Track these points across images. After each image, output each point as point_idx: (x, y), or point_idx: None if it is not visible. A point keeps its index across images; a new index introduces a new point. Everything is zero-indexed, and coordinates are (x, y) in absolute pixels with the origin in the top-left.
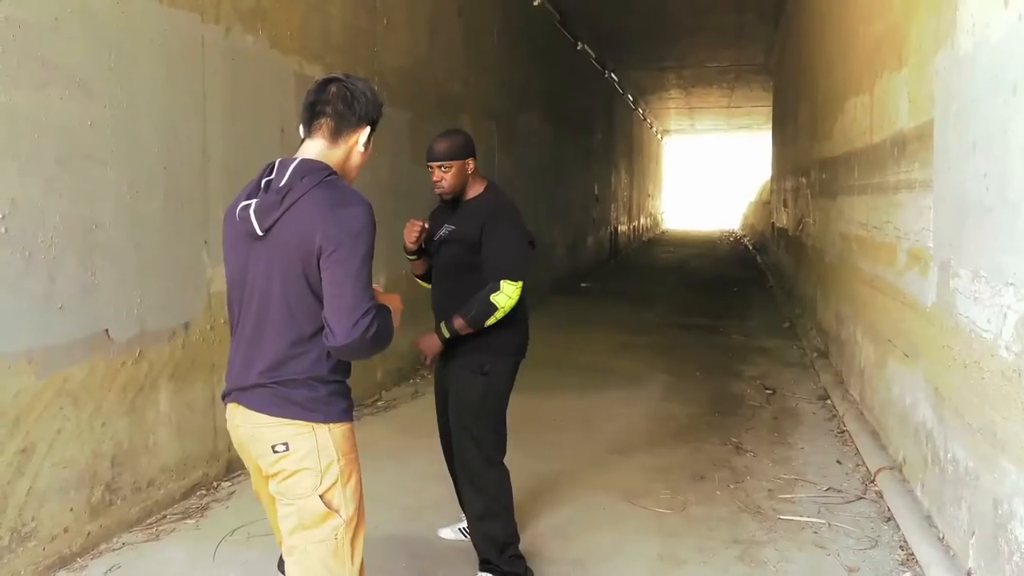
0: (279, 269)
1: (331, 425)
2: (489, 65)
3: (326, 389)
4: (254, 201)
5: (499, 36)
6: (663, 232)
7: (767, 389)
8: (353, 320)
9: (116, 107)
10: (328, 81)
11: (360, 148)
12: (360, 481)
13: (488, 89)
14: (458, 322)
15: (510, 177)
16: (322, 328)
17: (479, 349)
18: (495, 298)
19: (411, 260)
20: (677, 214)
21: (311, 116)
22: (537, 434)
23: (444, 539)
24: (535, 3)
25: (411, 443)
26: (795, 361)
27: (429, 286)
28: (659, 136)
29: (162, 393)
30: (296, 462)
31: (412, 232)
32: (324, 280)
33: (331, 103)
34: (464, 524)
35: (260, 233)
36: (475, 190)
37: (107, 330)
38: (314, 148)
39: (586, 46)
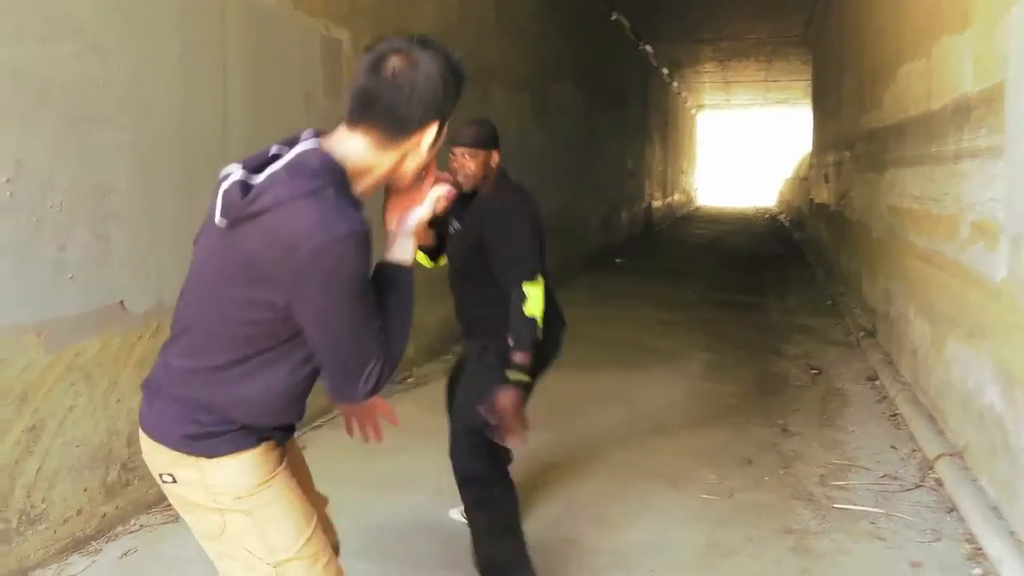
0: (225, 275)
1: (221, 459)
2: (521, 34)
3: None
4: (236, 176)
5: (531, 4)
6: (696, 209)
7: (812, 369)
8: (360, 381)
9: (130, 67)
10: (385, 56)
11: (423, 150)
12: (298, 509)
13: (520, 59)
14: (518, 356)
15: (543, 150)
16: (253, 355)
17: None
18: (527, 309)
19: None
20: (711, 191)
21: (359, 108)
22: (575, 415)
23: (456, 520)
24: None
25: (442, 422)
26: (840, 340)
27: (431, 265)
28: (693, 111)
29: None
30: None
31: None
32: (308, 338)
33: (386, 98)
34: None
35: (218, 222)
36: (487, 187)
37: (122, 301)
38: (351, 146)
39: (621, 16)
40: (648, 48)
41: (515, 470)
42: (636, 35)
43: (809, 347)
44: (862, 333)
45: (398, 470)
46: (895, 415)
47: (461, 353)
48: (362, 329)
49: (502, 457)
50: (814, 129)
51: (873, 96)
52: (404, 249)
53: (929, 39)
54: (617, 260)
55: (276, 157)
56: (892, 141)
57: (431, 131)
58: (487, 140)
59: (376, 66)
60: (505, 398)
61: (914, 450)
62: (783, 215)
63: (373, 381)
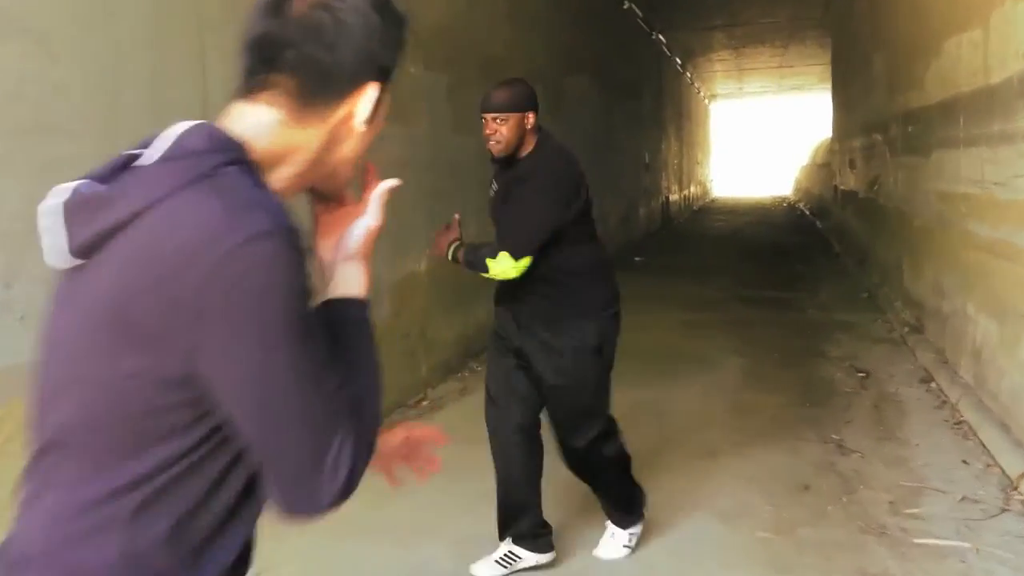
0: (83, 343)
1: None
2: (534, 24)
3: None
4: (78, 188)
5: (548, 5)
6: (712, 200)
7: (859, 372)
8: (322, 476)
9: (89, 69)
10: None
11: (359, 124)
12: None
13: (533, 50)
14: (460, 256)
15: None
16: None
17: (576, 314)
18: (491, 263)
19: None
20: (725, 182)
21: (259, 64)
22: None
23: None
24: None
25: (462, 453)
26: (883, 337)
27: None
28: (706, 101)
29: None
30: None
31: (443, 239)
32: (232, 422)
33: (298, 43)
34: (502, 552)
35: (67, 257)
36: (526, 149)
37: None
38: (252, 121)
39: (633, 5)
40: (661, 37)
41: (546, 506)
42: (648, 25)
43: (852, 347)
44: (907, 329)
45: (413, 515)
46: (960, 423)
47: (499, 332)
48: (312, 391)
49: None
50: (835, 114)
51: (911, 75)
52: (352, 279)
53: (986, 5)
54: (637, 259)
55: (134, 157)
56: (937, 121)
57: (369, 94)
58: (520, 101)
59: (275, 3)
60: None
61: (989, 465)
62: (802, 203)
63: (344, 471)
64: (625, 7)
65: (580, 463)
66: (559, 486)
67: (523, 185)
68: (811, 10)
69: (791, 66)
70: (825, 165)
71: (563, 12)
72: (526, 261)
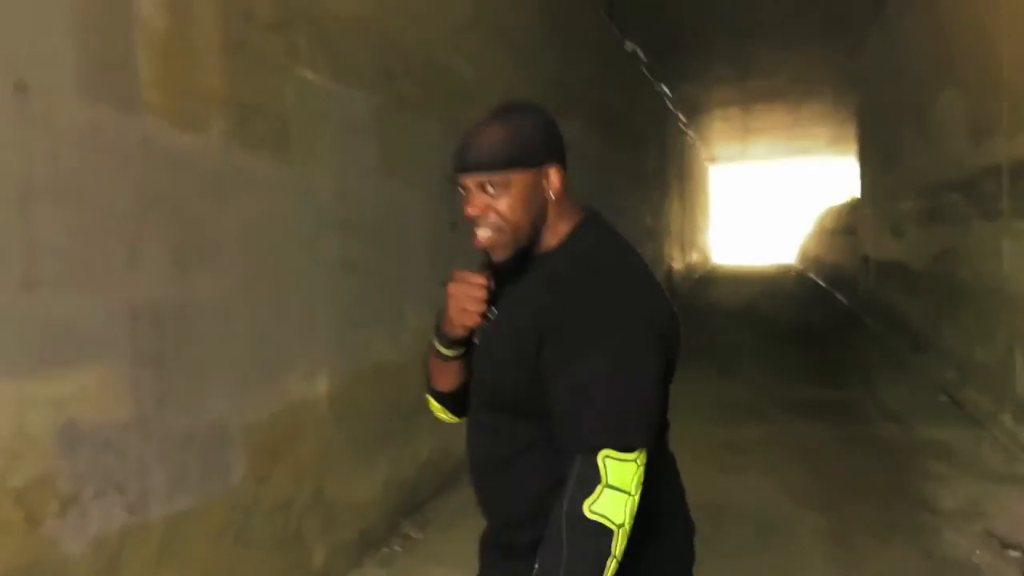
0: None
1: None
2: (514, 46)
3: None
4: None
5: (528, 18)
6: (713, 269)
7: (1008, 547)
8: None
9: None
10: None
11: None
12: None
13: (511, 78)
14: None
15: None
16: None
17: None
18: (597, 506)
19: (443, 357)
20: (724, 249)
21: None
22: None
23: None
24: None
25: None
26: (1004, 472)
27: (456, 420)
28: (707, 163)
29: None
30: None
31: (471, 295)
32: None
33: None
34: None
35: None
36: (556, 234)
37: None
38: None
39: (637, 48)
40: (665, 89)
41: None
42: (651, 73)
43: (965, 489)
44: None
45: None
46: None
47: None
48: None
49: None
50: (866, 174)
51: (1018, 112)
52: None
53: None
54: None
55: None
56: None
57: None
58: (530, 147)
59: None
60: None
61: None
62: (811, 273)
63: None
64: (628, 49)
65: None
66: None
67: (566, 314)
68: (833, 54)
69: (803, 126)
70: (840, 232)
71: (555, 39)
72: (641, 452)
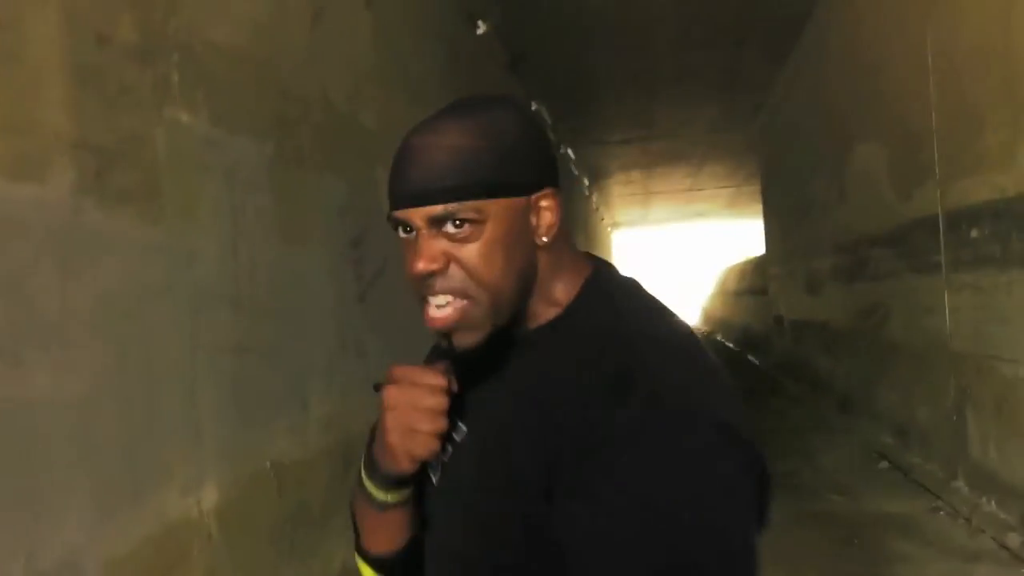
0: None
1: None
2: (419, 98)
3: None
4: None
5: (436, 64)
6: None
7: None
8: None
9: None
10: None
11: None
12: None
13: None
14: None
15: None
16: None
17: None
18: None
19: (378, 505)
20: None
21: None
22: None
23: None
24: (479, 30)
25: None
26: (972, 548)
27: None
28: (609, 228)
29: None
30: None
31: (424, 406)
32: None
33: None
34: None
35: None
36: (554, 300)
37: None
38: None
39: (543, 109)
40: (569, 152)
41: None
42: (556, 133)
43: (936, 570)
44: (1012, 534)
45: None
46: None
47: None
48: None
49: None
50: (772, 232)
51: (956, 160)
52: None
53: None
54: None
55: None
56: None
57: None
58: (506, 165)
59: None
60: None
61: None
62: (718, 335)
63: None
64: (533, 109)
65: None
66: None
67: (596, 469)
68: (735, 111)
69: (701, 188)
70: (746, 292)
71: (457, 91)
72: None
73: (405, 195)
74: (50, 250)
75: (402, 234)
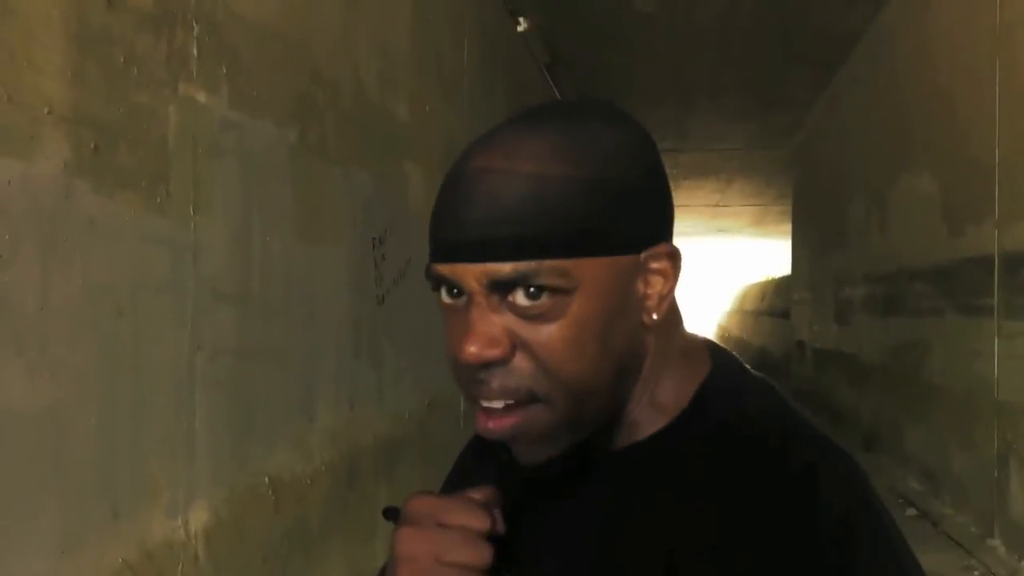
0: None
1: None
2: (456, 91)
3: None
4: None
5: (472, 58)
6: None
7: None
8: None
9: None
10: None
11: None
12: None
13: (453, 126)
14: None
15: None
16: None
17: None
18: None
19: None
20: None
21: None
22: None
23: None
24: (519, 28)
25: None
26: None
27: None
28: None
29: None
30: None
31: (460, 560)
32: None
33: None
34: None
35: None
36: (662, 404)
37: None
38: None
39: None
40: None
41: None
42: None
43: None
44: None
45: None
46: None
47: None
48: None
49: None
50: (801, 256)
51: (1019, 199)
52: None
53: None
54: None
55: None
56: None
57: None
58: (611, 209)
59: None
60: None
61: None
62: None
63: None
64: None
65: None
66: None
67: None
68: (771, 129)
69: (727, 205)
70: (766, 313)
71: (497, 89)
72: None
73: (455, 244)
74: (32, 235)
75: (445, 298)
